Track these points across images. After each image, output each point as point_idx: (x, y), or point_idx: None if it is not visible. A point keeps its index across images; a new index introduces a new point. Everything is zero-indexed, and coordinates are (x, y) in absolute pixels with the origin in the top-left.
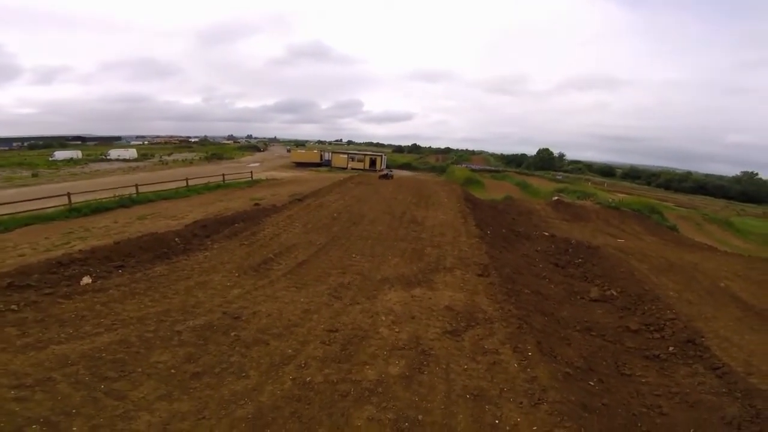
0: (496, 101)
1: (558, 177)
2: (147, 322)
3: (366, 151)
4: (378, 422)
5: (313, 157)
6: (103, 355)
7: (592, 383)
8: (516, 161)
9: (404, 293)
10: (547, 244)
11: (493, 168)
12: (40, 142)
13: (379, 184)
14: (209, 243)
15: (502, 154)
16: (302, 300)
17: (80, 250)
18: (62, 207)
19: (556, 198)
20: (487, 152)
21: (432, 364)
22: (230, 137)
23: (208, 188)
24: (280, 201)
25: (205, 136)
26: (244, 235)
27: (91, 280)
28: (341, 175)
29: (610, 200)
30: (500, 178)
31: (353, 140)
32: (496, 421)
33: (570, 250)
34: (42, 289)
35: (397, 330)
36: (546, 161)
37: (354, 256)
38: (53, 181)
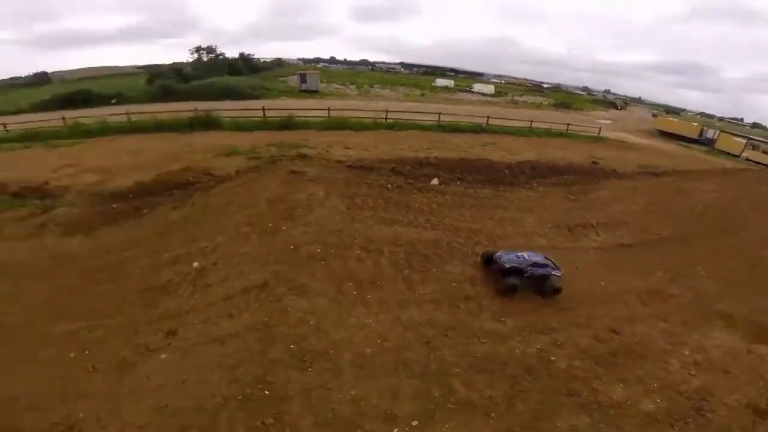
0: None
1: None
2: (459, 233)
3: None
4: None
5: (689, 129)
6: (419, 247)
7: None
8: None
9: None
10: None
11: None
12: (428, 70)
13: None
14: (534, 184)
15: None
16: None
17: (436, 157)
18: (434, 123)
19: None
20: None
21: None
22: (585, 89)
23: (549, 133)
24: (624, 167)
25: (558, 84)
26: (572, 190)
27: (437, 182)
28: (726, 162)
29: None
30: None
31: (764, 124)
32: None
33: None
34: (408, 178)
35: None
36: None
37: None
38: (432, 102)
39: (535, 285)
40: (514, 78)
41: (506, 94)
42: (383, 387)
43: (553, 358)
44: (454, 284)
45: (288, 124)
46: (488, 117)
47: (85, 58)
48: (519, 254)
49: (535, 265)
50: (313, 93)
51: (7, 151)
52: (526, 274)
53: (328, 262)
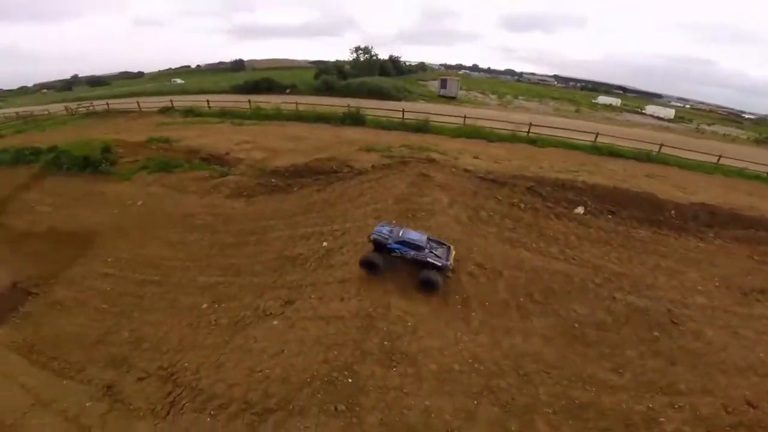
0: None
1: None
2: (598, 273)
3: None
4: None
5: None
6: (544, 278)
7: None
8: None
9: None
10: None
11: None
12: (588, 86)
13: None
14: (709, 234)
15: None
16: None
17: (584, 182)
18: (587, 142)
19: None
20: None
21: None
22: None
23: (741, 174)
24: None
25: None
26: (760, 249)
27: (582, 211)
28: None
29: None
30: None
31: None
32: None
33: None
34: (546, 201)
35: None
36: None
37: None
38: (588, 120)
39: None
40: (703, 103)
41: (690, 120)
42: (460, 406)
43: (662, 419)
44: (576, 325)
45: (422, 128)
46: (661, 144)
47: (271, 50)
48: (394, 228)
49: (405, 243)
50: (451, 99)
51: (206, 124)
52: (392, 254)
53: None
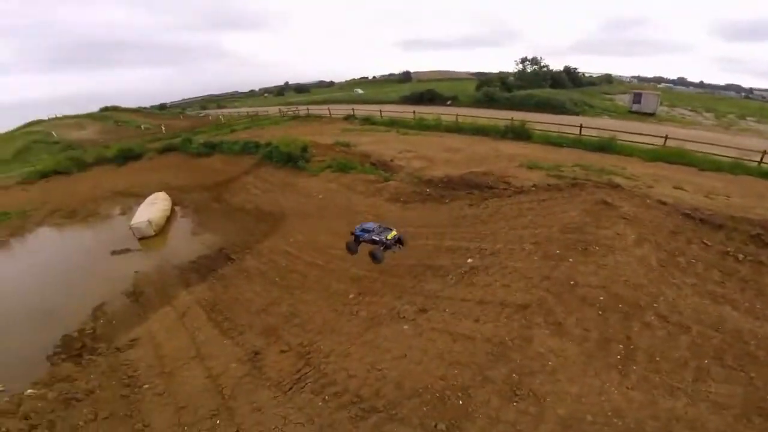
0: None
1: None
2: None
3: None
4: None
5: None
6: (749, 343)
7: None
8: None
9: None
10: None
11: None
12: None
13: None
14: None
15: None
16: None
17: None
18: None
19: None
20: None
21: None
22: None
23: None
24: None
25: None
26: None
27: None
28: None
29: None
30: None
31: None
32: None
33: None
34: None
35: None
36: None
37: None
38: None
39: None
40: None
41: None
42: None
43: None
44: None
45: (605, 146)
46: None
47: (435, 61)
48: (365, 224)
49: (363, 230)
50: (646, 116)
51: (377, 132)
52: (359, 239)
53: (605, 313)
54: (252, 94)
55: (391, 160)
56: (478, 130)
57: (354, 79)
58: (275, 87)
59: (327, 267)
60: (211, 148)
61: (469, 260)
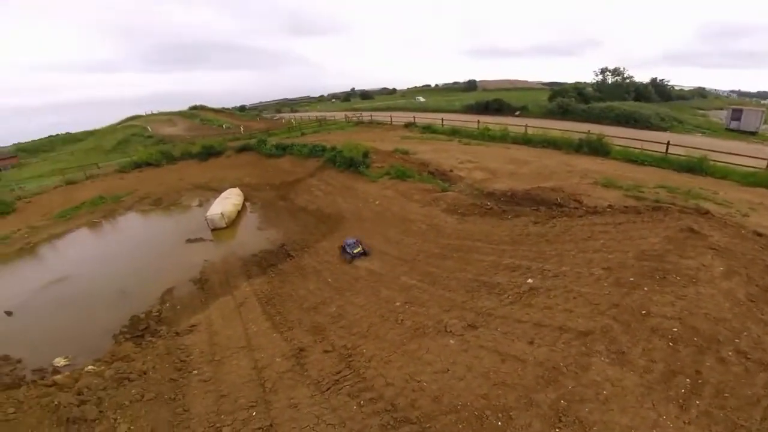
0: None
1: None
2: None
3: None
4: None
5: None
6: None
7: None
8: None
9: None
10: None
11: None
12: None
13: None
14: None
15: None
16: None
17: None
18: None
19: None
20: None
21: None
22: None
23: None
24: None
25: None
26: None
27: None
28: None
29: None
30: None
31: None
32: None
33: None
34: None
35: None
36: None
37: None
38: None
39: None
40: None
41: None
42: None
43: None
44: None
45: (695, 167)
46: None
47: (503, 70)
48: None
49: (345, 244)
50: (747, 135)
51: (438, 141)
52: (343, 250)
53: (676, 346)
54: (321, 99)
55: (451, 170)
56: (548, 142)
57: (416, 86)
58: (342, 93)
59: (378, 272)
60: (282, 150)
61: (530, 280)
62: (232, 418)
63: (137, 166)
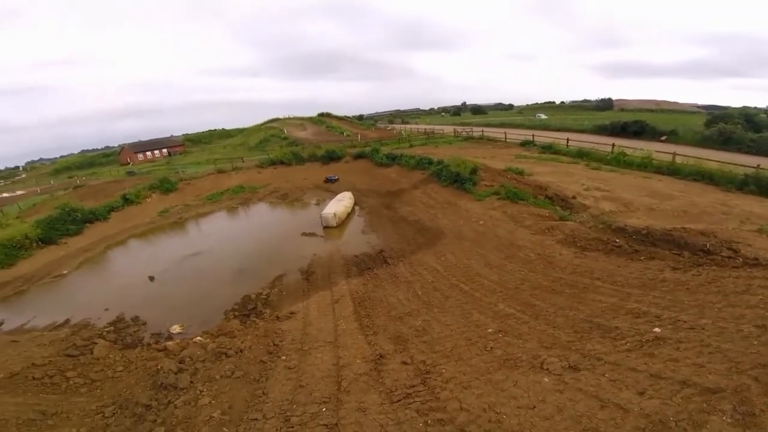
0: None
1: None
2: None
3: None
4: None
5: None
6: None
7: None
8: None
9: None
10: None
11: None
12: None
13: None
14: None
15: None
16: None
17: None
18: None
19: None
20: None
21: None
22: None
23: None
24: None
25: None
26: None
27: None
28: None
29: None
30: None
31: None
32: None
33: None
34: None
35: None
36: None
37: None
38: None
39: None
40: None
41: None
42: None
43: None
44: None
45: None
46: None
47: (645, 90)
48: None
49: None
50: None
51: (559, 162)
52: None
53: None
54: (431, 112)
55: (573, 197)
56: (701, 175)
57: (537, 103)
58: (452, 107)
59: (472, 294)
60: (391, 160)
61: (657, 329)
62: (303, 410)
63: (272, 163)
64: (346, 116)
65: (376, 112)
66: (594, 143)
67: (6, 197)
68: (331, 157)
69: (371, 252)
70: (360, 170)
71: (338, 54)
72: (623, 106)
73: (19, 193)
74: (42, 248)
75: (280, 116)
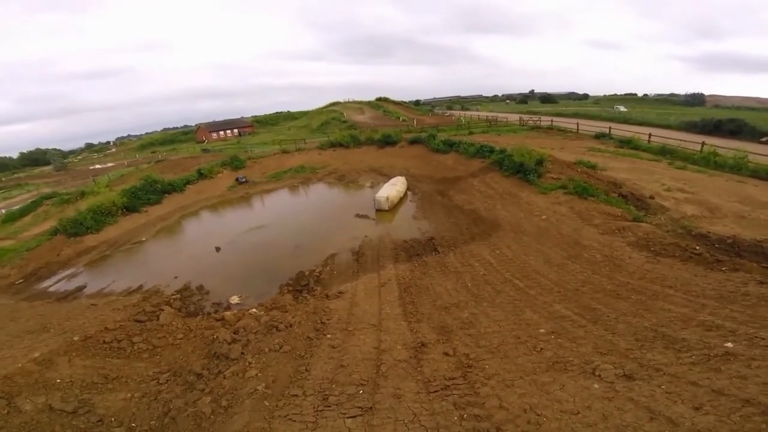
0: None
1: None
2: None
3: None
4: None
5: None
6: None
7: None
8: None
9: None
10: None
11: None
12: None
13: None
14: None
15: None
16: None
17: None
18: None
19: None
20: None
21: None
22: None
23: None
24: None
25: None
26: None
27: None
28: None
29: None
30: None
31: None
32: None
33: None
34: None
35: None
36: None
37: None
38: None
39: None
40: None
41: None
42: None
43: None
44: None
45: None
46: None
47: (747, 86)
48: None
49: None
50: None
51: (638, 158)
52: None
53: None
54: (494, 99)
55: (651, 197)
56: None
57: (616, 94)
58: (519, 94)
59: (526, 292)
60: (449, 146)
61: (729, 344)
62: (341, 391)
63: (332, 145)
64: (402, 101)
65: (434, 98)
66: (680, 140)
67: (99, 168)
68: (387, 141)
69: (421, 238)
70: (415, 155)
71: (397, 38)
72: (718, 102)
73: (109, 165)
74: (126, 215)
75: (341, 100)
